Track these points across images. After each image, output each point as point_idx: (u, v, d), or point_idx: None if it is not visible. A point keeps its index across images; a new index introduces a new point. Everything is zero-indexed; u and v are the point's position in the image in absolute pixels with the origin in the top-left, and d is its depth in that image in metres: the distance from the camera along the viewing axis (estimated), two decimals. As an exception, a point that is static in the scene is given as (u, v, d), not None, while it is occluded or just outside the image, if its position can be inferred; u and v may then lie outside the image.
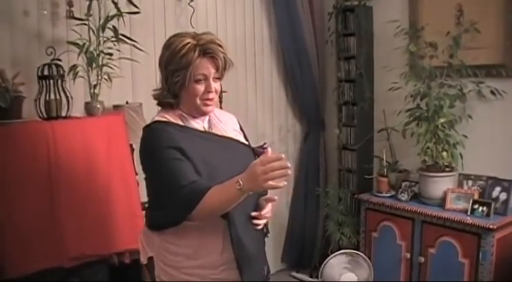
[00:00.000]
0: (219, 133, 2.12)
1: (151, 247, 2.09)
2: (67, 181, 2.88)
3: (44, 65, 2.97)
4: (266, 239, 4.53)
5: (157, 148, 1.94)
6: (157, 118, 2.06)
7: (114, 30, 3.21)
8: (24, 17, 3.22)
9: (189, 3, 3.87)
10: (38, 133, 2.85)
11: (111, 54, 3.13)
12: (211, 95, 1.98)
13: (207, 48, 1.94)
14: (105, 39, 3.17)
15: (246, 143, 2.23)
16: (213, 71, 1.96)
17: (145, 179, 2.06)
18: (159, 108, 2.12)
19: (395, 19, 3.71)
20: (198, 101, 1.99)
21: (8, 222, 2.73)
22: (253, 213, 2.06)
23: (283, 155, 1.71)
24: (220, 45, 1.97)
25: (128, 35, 3.34)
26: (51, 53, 2.98)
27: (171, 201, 1.89)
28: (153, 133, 1.99)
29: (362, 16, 4.06)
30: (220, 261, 2.01)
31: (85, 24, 3.13)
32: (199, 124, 2.08)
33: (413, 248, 3.54)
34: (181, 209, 1.86)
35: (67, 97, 3.02)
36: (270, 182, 1.68)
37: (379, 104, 4.16)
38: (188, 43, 1.94)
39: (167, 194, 1.90)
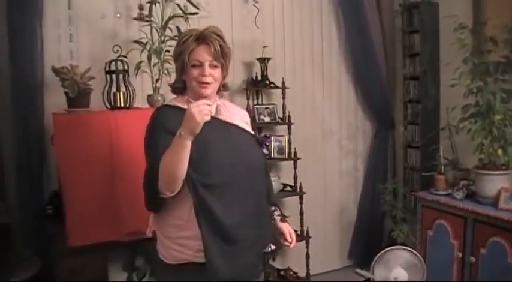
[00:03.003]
0: (224, 119, 2.27)
1: (154, 221, 2.29)
2: (126, 164, 3.21)
3: (111, 61, 3.36)
4: (332, 234, 4.69)
5: (152, 130, 2.16)
6: (165, 103, 2.31)
7: (178, 29, 3.55)
8: (101, 19, 3.66)
9: (253, 4, 4.11)
10: (102, 121, 3.24)
11: (169, 51, 3.44)
12: (206, 79, 2.14)
13: (203, 36, 2.14)
14: (167, 38, 3.50)
15: (251, 131, 2.38)
16: (208, 58, 2.13)
17: None
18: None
19: (458, 14, 3.65)
20: (194, 83, 2.16)
21: (74, 198, 3.14)
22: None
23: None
24: (218, 35, 2.16)
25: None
26: (117, 50, 3.36)
27: (149, 175, 2.09)
28: (154, 116, 2.21)
29: (426, 13, 4.04)
30: None
31: (149, 25, 3.48)
32: None
33: (465, 248, 3.45)
34: (151, 184, 2.05)
35: (130, 90, 3.39)
36: (206, 117, 1.90)
37: (445, 101, 4.09)
38: (189, 34, 2.17)
39: (147, 173, 2.12)
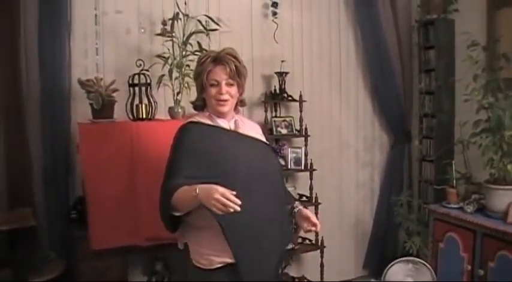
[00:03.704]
0: (242, 132, 2.49)
1: (183, 234, 2.46)
2: (146, 172, 3.35)
3: (134, 74, 3.54)
4: (348, 244, 4.78)
5: (176, 150, 2.36)
6: (190, 119, 2.49)
7: (199, 44, 3.71)
8: (126, 34, 3.85)
9: (273, 20, 4.25)
10: (124, 131, 3.40)
11: (189, 66, 3.60)
12: (223, 97, 2.37)
13: (219, 58, 2.37)
14: (188, 52, 3.66)
15: (266, 142, 2.59)
16: (224, 77, 2.36)
17: None
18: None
19: (472, 31, 3.73)
20: (213, 101, 2.40)
21: (97, 204, 3.31)
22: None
23: (239, 202, 1.98)
24: (234, 56, 2.38)
25: (218, 50, 3.81)
26: (140, 64, 3.54)
27: (161, 198, 2.28)
28: (182, 132, 2.41)
29: (442, 29, 4.13)
30: None
31: (171, 40, 3.65)
32: (225, 123, 2.47)
33: (475, 261, 3.51)
34: (162, 202, 2.26)
35: (152, 102, 3.56)
36: (213, 208, 1.99)
37: (459, 116, 4.16)
38: (207, 56, 2.40)
39: (161, 189, 2.31)
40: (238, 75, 2.39)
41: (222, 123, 2.46)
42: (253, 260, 2.28)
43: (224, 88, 2.37)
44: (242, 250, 2.25)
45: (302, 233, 4.20)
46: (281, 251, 2.47)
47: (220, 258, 2.28)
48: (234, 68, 2.36)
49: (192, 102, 2.58)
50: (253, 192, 2.25)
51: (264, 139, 2.59)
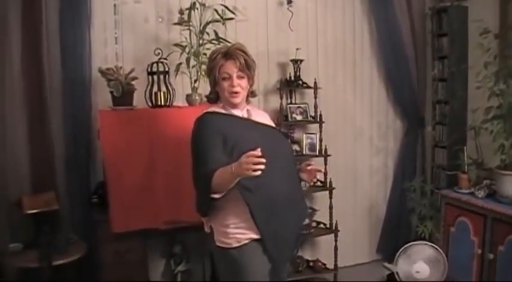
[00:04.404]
0: (254, 120, 2.66)
1: (210, 218, 2.60)
2: (165, 158, 3.50)
3: (153, 63, 3.63)
4: (362, 229, 4.88)
5: (201, 136, 2.50)
6: (206, 110, 2.64)
7: (215, 33, 3.80)
8: (144, 23, 3.95)
9: (288, 8, 4.32)
10: (143, 117, 3.53)
11: (206, 54, 3.68)
12: (235, 89, 2.55)
13: (229, 53, 2.54)
14: (205, 41, 3.75)
15: (276, 127, 2.80)
16: (235, 70, 2.54)
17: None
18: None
19: (485, 19, 3.77)
20: (226, 94, 2.56)
21: (117, 188, 3.44)
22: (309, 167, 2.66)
23: (259, 153, 2.16)
24: (243, 51, 2.55)
25: (234, 38, 3.93)
26: (158, 53, 3.64)
27: (201, 183, 2.44)
28: (201, 122, 2.56)
29: (455, 16, 4.16)
30: None
31: (188, 29, 3.74)
32: (239, 113, 2.63)
33: (485, 245, 3.59)
34: (205, 188, 2.39)
35: (170, 90, 3.67)
36: (249, 173, 2.18)
37: (472, 103, 4.21)
38: (217, 52, 2.58)
39: (196, 176, 2.48)
40: (248, 68, 2.56)
41: (236, 112, 2.62)
42: (276, 235, 2.48)
43: (235, 81, 2.54)
44: (267, 226, 2.44)
45: (317, 217, 4.35)
46: (299, 226, 2.73)
47: (246, 236, 2.47)
48: (244, 61, 2.54)
49: (206, 96, 2.75)
50: (272, 172, 2.37)
51: (273, 124, 2.79)
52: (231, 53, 2.54)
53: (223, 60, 2.54)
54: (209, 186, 2.35)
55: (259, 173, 2.18)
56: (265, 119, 2.75)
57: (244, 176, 2.24)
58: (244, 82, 2.57)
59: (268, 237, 2.46)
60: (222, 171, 2.32)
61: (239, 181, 2.33)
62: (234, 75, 2.53)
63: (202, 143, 2.48)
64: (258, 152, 2.16)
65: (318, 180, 4.26)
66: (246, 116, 2.65)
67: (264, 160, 2.16)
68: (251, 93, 2.69)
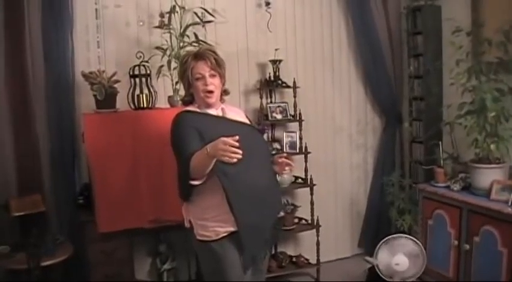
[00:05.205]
0: (229, 117, 2.76)
1: (188, 212, 2.71)
2: (148, 158, 3.58)
3: (135, 66, 3.70)
4: (343, 224, 4.95)
5: (179, 129, 2.60)
6: (183, 109, 2.75)
7: (195, 36, 3.88)
8: (126, 27, 4.01)
9: (266, 10, 4.41)
10: (126, 119, 3.61)
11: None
12: (209, 88, 2.65)
13: (200, 54, 2.67)
14: (186, 44, 3.83)
15: (250, 124, 2.91)
16: (207, 69, 2.65)
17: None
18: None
19: (458, 17, 3.91)
20: (201, 94, 2.68)
21: (102, 189, 3.51)
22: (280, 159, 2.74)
23: (236, 143, 2.25)
24: (212, 51, 2.70)
25: (214, 40, 4.02)
26: (140, 56, 3.71)
27: (181, 169, 2.51)
28: (178, 119, 2.66)
29: (428, 15, 4.29)
30: None
31: (169, 32, 3.81)
32: (214, 112, 2.73)
33: (461, 236, 3.72)
34: (184, 172, 2.47)
35: (152, 92, 3.74)
36: (223, 158, 2.26)
37: (447, 99, 4.34)
38: (188, 55, 2.71)
39: (179, 164, 2.54)
40: (219, 67, 2.68)
41: (211, 111, 2.73)
42: (252, 225, 2.57)
43: (209, 80, 2.65)
44: (244, 217, 2.53)
45: (298, 213, 4.45)
46: (274, 218, 2.78)
47: (224, 229, 2.57)
48: (214, 60, 2.66)
49: (181, 99, 2.86)
50: (249, 165, 2.48)
51: (248, 121, 2.89)
52: (201, 53, 2.67)
53: (195, 62, 2.65)
54: (188, 169, 2.43)
55: (234, 160, 2.26)
56: (240, 116, 2.85)
57: (218, 159, 2.32)
58: (217, 80, 2.68)
59: (244, 228, 2.55)
60: (198, 153, 2.42)
61: (218, 166, 2.41)
62: (207, 74, 2.65)
63: (180, 135, 2.59)
64: (236, 138, 2.25)
65: (292, 175, 4.39)
66: (221, 114, 2.75)
67: (240, 151, 2.24)
68: (224, 92, 2.80)
